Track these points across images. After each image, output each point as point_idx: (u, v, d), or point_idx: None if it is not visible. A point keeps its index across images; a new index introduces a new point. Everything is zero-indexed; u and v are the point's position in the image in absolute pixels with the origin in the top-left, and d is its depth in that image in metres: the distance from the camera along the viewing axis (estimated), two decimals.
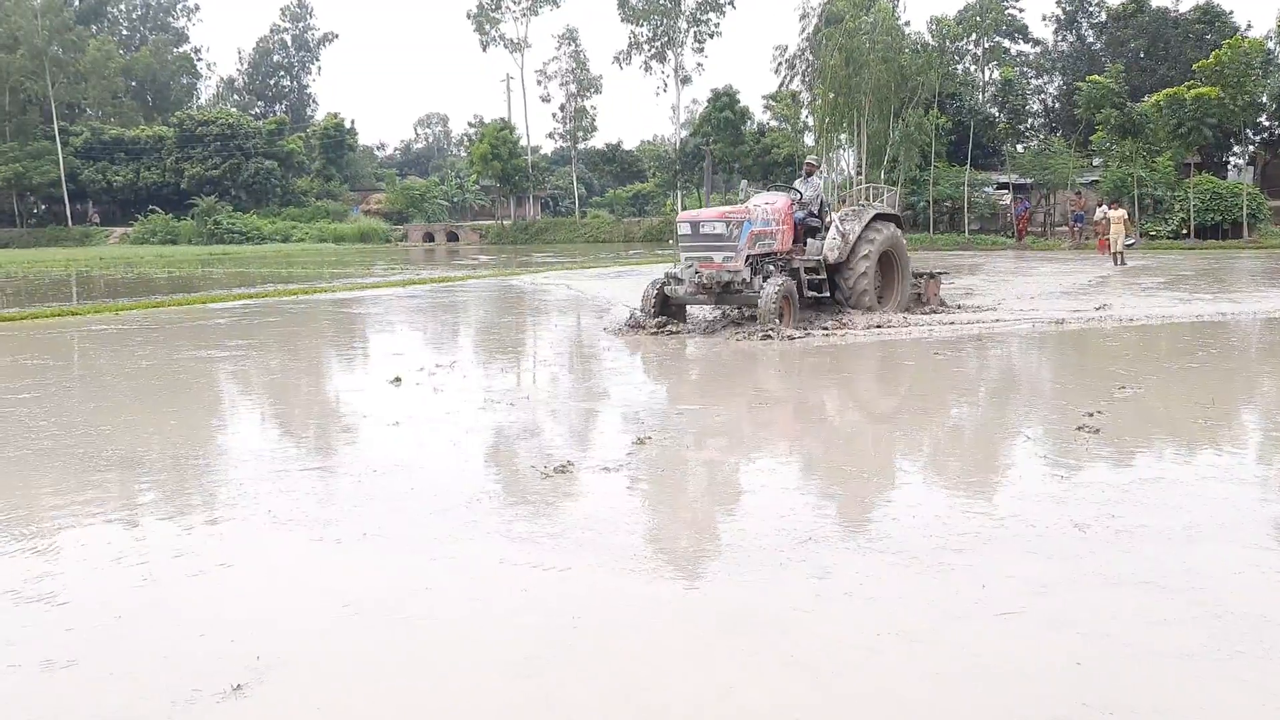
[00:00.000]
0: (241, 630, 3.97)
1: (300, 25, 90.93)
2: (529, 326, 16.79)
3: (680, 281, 13.72)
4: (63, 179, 65.20)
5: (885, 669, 3.53)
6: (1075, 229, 42.27)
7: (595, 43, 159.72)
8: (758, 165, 57.77)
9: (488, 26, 63.40)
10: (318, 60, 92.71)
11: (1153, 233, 40.84)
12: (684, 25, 61.29)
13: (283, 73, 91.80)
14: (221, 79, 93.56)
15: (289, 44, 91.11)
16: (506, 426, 7.93)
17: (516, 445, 7.34)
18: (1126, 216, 28.82)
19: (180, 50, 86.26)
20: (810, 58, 50.86)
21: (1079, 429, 7.25)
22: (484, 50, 65.06)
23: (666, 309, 14.00)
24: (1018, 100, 49.77)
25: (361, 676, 3.51)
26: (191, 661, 3.67)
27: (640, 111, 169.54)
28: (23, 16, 64.28)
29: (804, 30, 51.63)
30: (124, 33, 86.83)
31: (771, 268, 13.74)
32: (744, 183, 17.93)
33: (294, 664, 3.62)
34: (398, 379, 10.01)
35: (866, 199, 17.24)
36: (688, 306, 14.40)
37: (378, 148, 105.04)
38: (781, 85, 56.65)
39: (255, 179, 67.57)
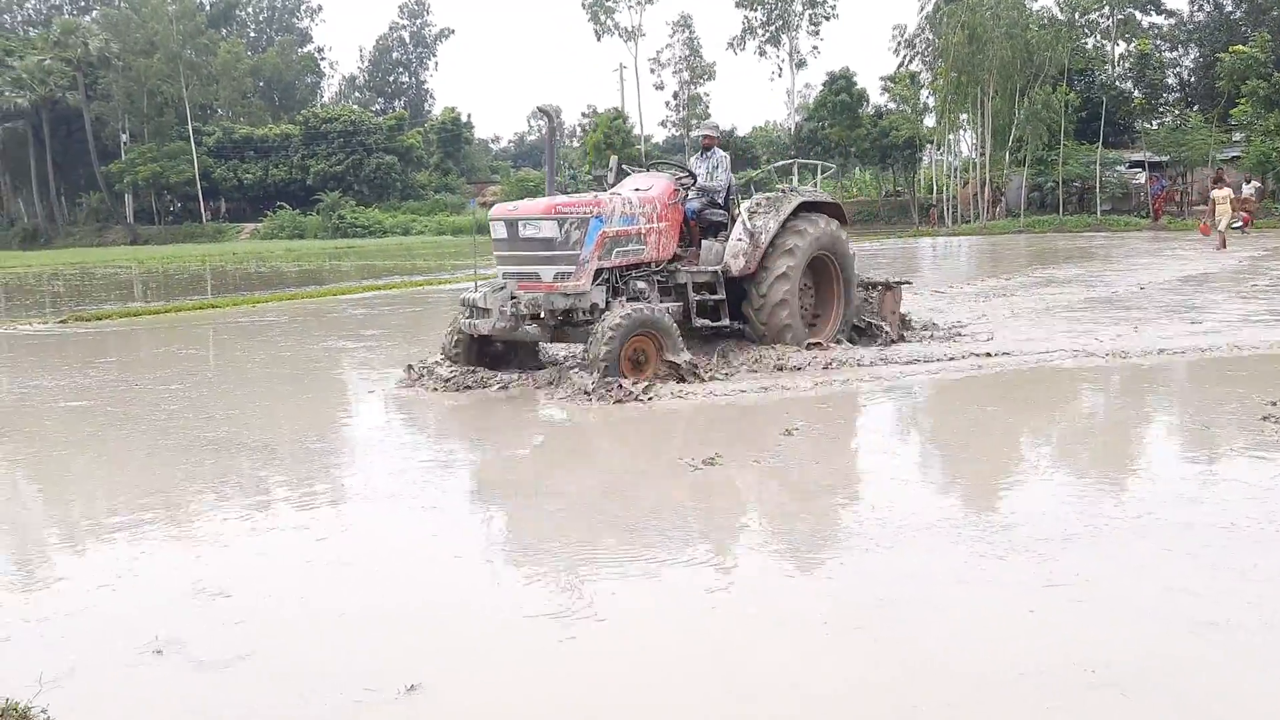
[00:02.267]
0: (396, 625, 3.96)
1: (418, 22, 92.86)
2: None
3: (485, 311, 9.07)
4: (197, 177, 67.89)
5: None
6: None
7: (709, 29, 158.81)
8: (875, 149, 56.55)
9: (602, 16, 63.60)
10: (435, 56, 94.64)
11: None
12: (799, 8, 60.41)
13: (401, 69, 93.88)
14: (344, 77, 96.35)
15: (407, 41, 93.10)
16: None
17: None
18: (1233, 196, 27.07)
19: (305, 50, 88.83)
20: (930, 36, 49.54)
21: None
22: (598, 40, 65.42)
23: (488, 350, 9.70)
24: (1155, 74, 47.56)
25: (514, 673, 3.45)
26: (357, 658, 3.67)
27: (754, 97, 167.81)
28: (159, 23, 67.05)
29: (924, 8, 50.33)
30: (251, 35, 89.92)
31: (642, 285, 9.52)
32: (614, 160, 10.88)
33: (444, 660, 3.58)
34: None
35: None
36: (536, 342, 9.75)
37: (493, 140, 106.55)
38: (900, 66, 55.37)
39: (376, 174, 69.22)
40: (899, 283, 11.67)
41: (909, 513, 5.13)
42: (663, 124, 70.47)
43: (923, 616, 3.87)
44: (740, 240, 9.86)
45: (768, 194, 10.31)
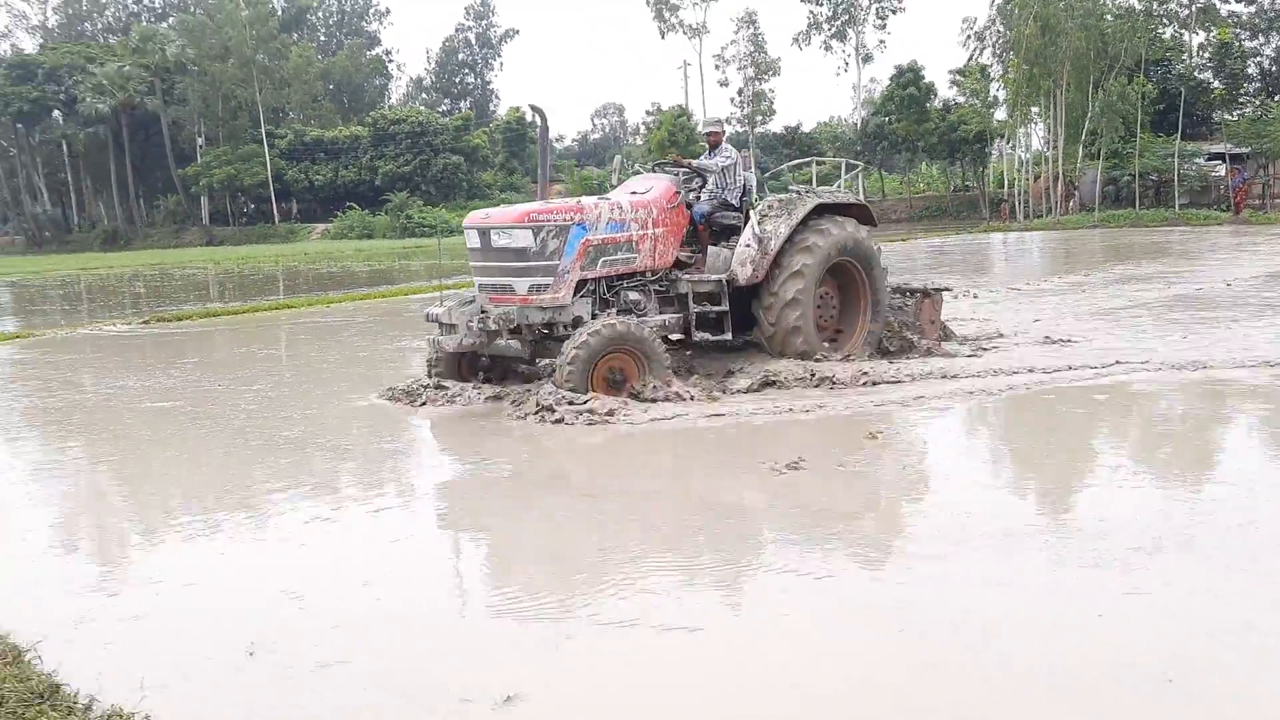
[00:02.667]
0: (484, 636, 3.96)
1: (484, 23, 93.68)
2: None
3: (450, 327, 8.62)
4: (269, 179, 69.29)
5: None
6: None
7: (774, 24, 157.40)
8: (943, 143, 55.83)
9: (667, 13, 63.58)
10: (500, 56, 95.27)
11: None
12: (865, 2, 59.81)
13: (467, 70, 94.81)
14: (411, 79, 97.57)
15: (473, 42, 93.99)
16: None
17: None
18: None
19: (373, 53, 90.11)
20: (1001, 28, 48.61)
21: None
22: (662, 38, 65.43)
23: (477, 363, 9.23)
24: (1235, 64, 46.13)
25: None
26: (447, 665, 3.68)
27: (819, 92, 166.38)
28: (233, 28, 68.53)
29: (994, 0, 49.37)
30: (322, 38, 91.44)
31: (636, 296, 8.91)
32: (618, 157, 11.28)
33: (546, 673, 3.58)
34: None
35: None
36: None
37: (556, 139, 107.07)
38: (970, 59, 54.45)
39: (443, 174, 70.01)
40: (938, 289, 10.75)
41: (990, 518, 5.03)
42: (727, 120, 70.17)
43: (998, 622, 3.81)
44: (748, 246, 9.09)
45: (781, 196, 9.54)
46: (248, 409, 8.89)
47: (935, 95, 57.30)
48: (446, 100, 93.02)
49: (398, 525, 5.49)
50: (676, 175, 9.59)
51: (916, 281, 11.34)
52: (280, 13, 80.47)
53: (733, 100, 66.38)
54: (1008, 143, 53.07)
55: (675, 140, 62.61)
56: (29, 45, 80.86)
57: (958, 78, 56.85)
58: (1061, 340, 10.70)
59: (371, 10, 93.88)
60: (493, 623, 4.08)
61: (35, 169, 76.75)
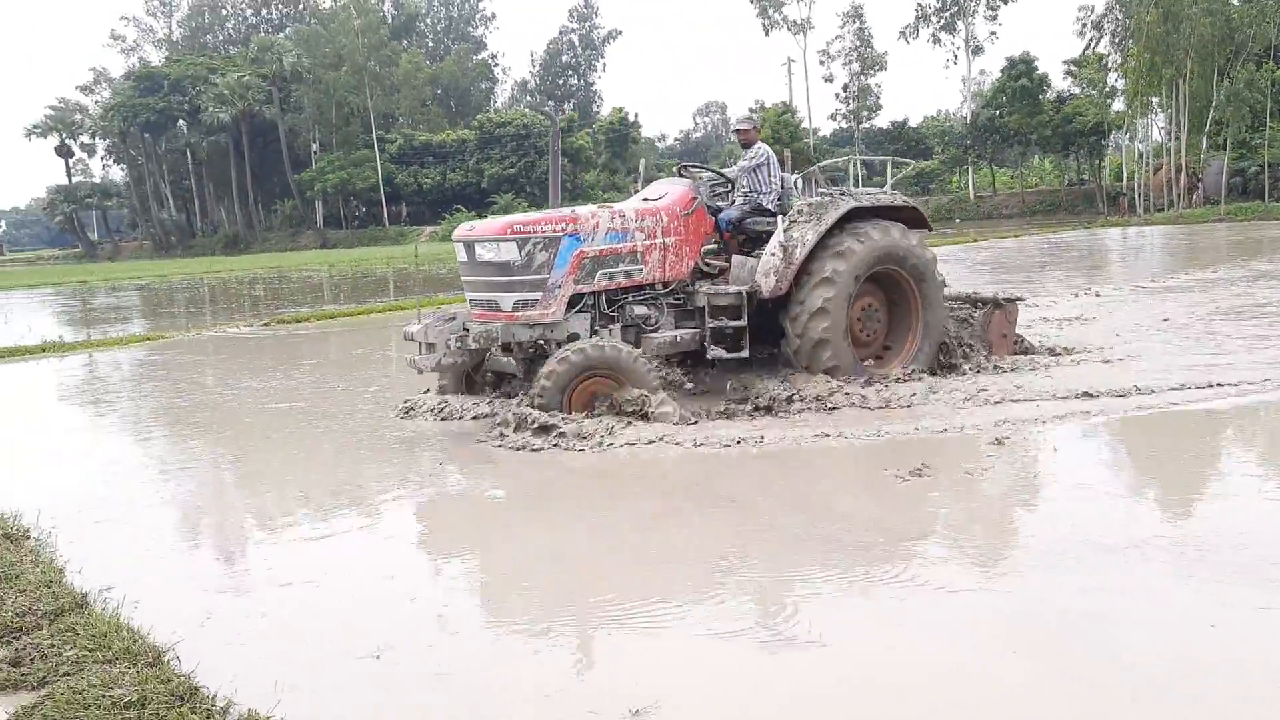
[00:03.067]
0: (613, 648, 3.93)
1: (587, 25, 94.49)
2: None
3: (429, 346, 8.26)
4: (380, 183, 71.15)
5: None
6: None
7: (880, 18, 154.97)
8: (1057, 135, 54.23)
9: (770, 10, 63.17)
10: (603, 58, 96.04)
11: None
12: None
13: (570, 72, 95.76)
14: (515, 82, 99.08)
15: (576, 44, 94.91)
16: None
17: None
18: None
19: (479, 57, 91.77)
20: (1121, 16, 46.93)
21: None
22: (766, 34, 65.02)
23: (486, 376, 8.79)
24: None
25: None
26: (573, 675, 3.66)
27: (926, 86, 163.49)
28: (346, 37, 70.61)
29: None
30: (430, 45, 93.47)
31: (643, 310, 8.29)
32: (642, 163, 10.27)
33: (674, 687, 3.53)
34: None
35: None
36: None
37: (659, 139, 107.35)
38: (1086, 49, 52.73)
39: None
40: (1010, 299, 9.80)
41: (1116, 527, 4.83)
42: (832, 117, 69.52)
43: (1108, 632, 3.69)
44: (773, 255, 8.28)
45: (812, 200, 8.63)
46: (363, 409, 9.08)
47: (1049, 87, 55.72)
48: (550, 102, 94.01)
49: (501, 528, 5.53)
50: (699, 179, 8.98)
51: (988, 290, 10.53)
52: (390, 20, 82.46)
53: (838, 96, 65.80)
54: (1126, 134, 51.25)
55: (778, 138, 62.13)
56: (155, 58, 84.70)
57: (1073, 68, 55.12)
58: (1192, 343, 10.13)
59: (478, 15, 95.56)
60: (603, 631, 4.05)
61: (161, 176, 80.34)
